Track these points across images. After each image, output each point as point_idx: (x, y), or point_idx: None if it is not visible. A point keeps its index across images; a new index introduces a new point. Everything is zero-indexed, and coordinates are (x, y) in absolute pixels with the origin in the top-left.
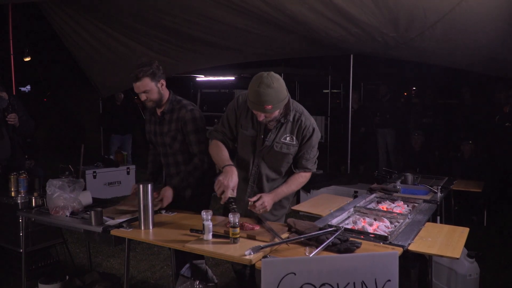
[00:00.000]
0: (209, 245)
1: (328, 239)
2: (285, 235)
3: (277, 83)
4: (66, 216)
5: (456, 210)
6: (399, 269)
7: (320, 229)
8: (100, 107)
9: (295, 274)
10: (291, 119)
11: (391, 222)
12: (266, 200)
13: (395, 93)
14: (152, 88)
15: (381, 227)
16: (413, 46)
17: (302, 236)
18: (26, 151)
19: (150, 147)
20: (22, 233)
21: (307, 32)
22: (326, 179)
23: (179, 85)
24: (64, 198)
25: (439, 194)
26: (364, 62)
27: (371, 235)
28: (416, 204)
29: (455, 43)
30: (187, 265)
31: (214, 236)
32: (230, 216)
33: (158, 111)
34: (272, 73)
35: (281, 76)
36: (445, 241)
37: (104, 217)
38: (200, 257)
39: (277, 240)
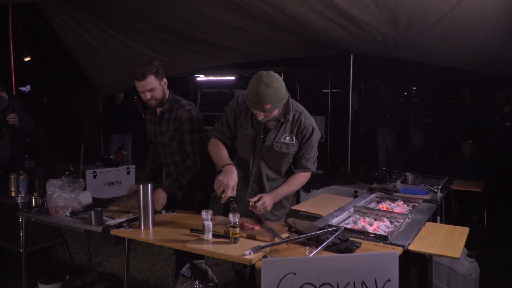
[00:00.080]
0: (209, 245)
1: (328, 239)
2: (285, 235)
3: (276, 82)
4: (66, 216)
5: (456, 210)
6: (399, 269)
7: (320, 229)
8: (100, 107)
9: (295, 274)
10: (290, 118)
11: (391, 222)
12: (267, 200)
13: (395, 93)
14: (157, 86)
15: (381, 227)
16: (413, 46)
17: (302, 236)
18: (26, 151)
19: (150, 147)
20: (22, 233)
21: (307, 32)
22: (326, 179)
23: (179, 85)
24: (64, 198)
25: (439, 194)
26: (364, 62)
27: (371, 235)
28: (416, 204)
29: (455, 43)
30: (187, 265)
31: (214, 236)
32: (230, 216)
33: (158, 111)
34: (271, 72)
35: (281, 76)
36: (445, 241)
37: (104, 217)
38: (200, 256)
39: (277, 240)
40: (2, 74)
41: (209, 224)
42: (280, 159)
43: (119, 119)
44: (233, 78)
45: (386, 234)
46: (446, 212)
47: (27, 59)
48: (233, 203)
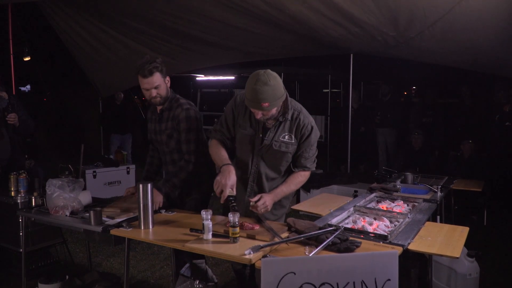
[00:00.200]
0: (208, 245)
1: (328, 238)
2: (285, 235)
3: (274, 80)
4: (66, 215)
5: (456, 210)
6: (399, 268)
7: (320, 228)
8: (100, 107)
9: (295, 273)
10: (289, 117)
11: (391, 222)
12: (267, 200)
13: (395, 93)
14: (162, 84)
15: (381, 226)
16: (413, 45)
17: (302, 235)
18: (26, 151)
19: (150, 147)
20: (22, 232)
21: (307, 32)
22: (326, 178)
23: (179, 84)
24: (63, 197)
25: (439, 194)
26: (364, 62)
27: (371, 235)
28: (416, 204)
29: (455, 42)
30: (187, 264)
31: (214, 235)
32: (230, 215)
33: (158, 109)
34: (269, 71)
35: (281, 75)
36: (445, 241)
37: (103, 218)
38: (201, 256)
39: (277, 239)
40: (2, 74)
41: (208, 223)
42: (279, 158)
43: (119, 119)
44: (233, 77)
45: (386, 234)
46: (446, 212)
47: (27, 59)
48: (233, 201)
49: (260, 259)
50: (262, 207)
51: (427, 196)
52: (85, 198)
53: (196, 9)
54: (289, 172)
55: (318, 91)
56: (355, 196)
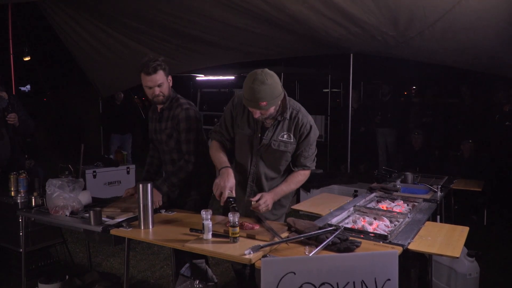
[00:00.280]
0: (208, 245)
1: (328, 238)
2: (284, 235)
3: (271, 79)
4: (66, 215)
5: (456, 209)
6: (399, 268)
7: (320, 228)
8: (100, 107)
9: (294, 273)
10: (288, 116)
11: (391, 221)
12: (268, 199)
13: (395, 93)
14: (165, 82)
15: (381, 226)
16: (413, 45)
17: (302, 235)
18: (26, 151)
19: (150, 147)
20: (22, 232)
21: (307, 31)
22: (326, 178)
23: (179, 84)
24: (63, 197)
25: (439, 193)
26: (364, 61)
27: (371, 234)
28: (416, 203)
29: (455, 42)
30: (187, 264)
31: (213, 235)
32: (230, 215)
33: (159, 108)
34: (266, 70)
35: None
36: (445, 240)
37: (103, 218)
38: (201, 256)
39: (276, 239)
40: (2, 74)
41: (208, 223)
42: (278, 158)
43: (119, 119)
44: (232, 77)
45: (386, 234)
46: (446, 212)
47: (27, 58)
48: (232, 202)
49: (260, 259)
50: (264, 206)
51: (427, 196)
52: (85, 198)
53: (196, 9)
54: (288, 172)
55: (318, 91)
56: (355, 196)
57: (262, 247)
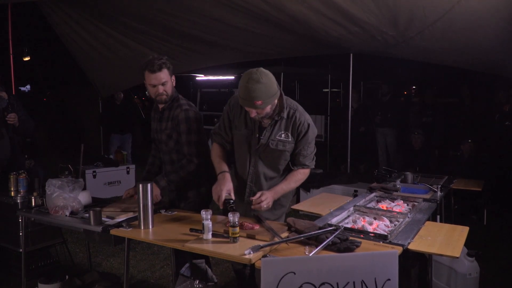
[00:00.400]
0: (208, 245)
1: (327, 238)
2: (284, 234)
3: (266, 78)
4: (66, 215)
5: (456, 209)
6: (399, 268)
7: (320, 228)
8: (100, 107)
9: (294, 273)
10: (285, 116)
11: (391, 221)
12: (268, 197)
13: (395, 93)
14: (169, 81)
15: (381, 226)
16: (413, 44)
17: (302, 235)
18: (26, 151)
19: (152, 146)
20: (21, 232)
21: (307, 31)
22: (326, 178)
23: (179, 84)
24: (63, 197)
25: (439, 193)
26: (364, 61)
27: (371, 234)
28: (416, 203)
29: (455, 42)
30: (187, 264)
31: (213, 235)
32: (230, 215)
33: (160, 107)
34: (261, 69)
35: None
36: (445, 240)
37: (103, 218)
38: (202, 256)
39: (276, 239)
40: (1, 74)
41: (208, 223)
42: (277, 157)
43: (119, 119)
44: (232, 77)
45: (385, 234)
46: (446, 211)
47: (27, 59)
48: (231, 203)
49: (260, 259)
50: (265, 203)
51: (427, 196)
52: (85, 198)
53: (196, 9)
54: (288, 171)
55: (318, 91)
56: (355, 195)
57: (262, 247)
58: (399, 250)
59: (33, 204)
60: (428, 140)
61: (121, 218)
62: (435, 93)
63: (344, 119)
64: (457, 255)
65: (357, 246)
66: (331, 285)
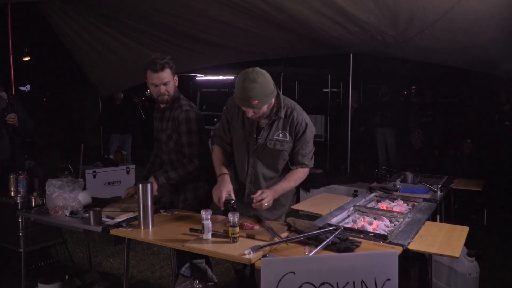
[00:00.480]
0: (208, 245)
1: (327, 238)
2: (284, 234)
3: (262, 77)
4: (66, 215)
5: (456, 209)
6: (399, 268)
7: (320, 228)
8: (100, 107)
9: (294, 273)
10: (282, 115)
11: (390, 221)
12: (269, 195)
13: (395, 92)
14: (171, 81)
15: (380, 226)
16: (413, 44)
17: (301, 235)
18: (26, 151)
19: (154, 146)
20: (21, 233)
21: (307, 31)
22: (326, 178)
23: (179, 84)
24: (63, 197)
25: (439, 193)
26: (364, 61)
27: (370, 234)
28: (416, 203)
29: (455, 42)
30: (187, 264)
31: (213, 235)
32: (230, 215)
33: (162, 107)
34: (257, 68)
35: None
36: (445, 240)
37: (103, 218)
38: (202, 256)
39: (276, 239)
40: (1, 74)
41: (208, 223)
42: (275, 157)
43: (118, 118)
44: (232, 77)
45: (385, 233)
46: (446, 211)
47: (27, 58)
48: (232, 203)
49: (260, 259)
50: (266, 201)
51: (427, 196)
52: (84, 198)
53: (196, 8)
54: (287, 171)
55: (318, 91)
56: (355, 195)
57: (262, 247)
58: (399, 250)
59: (33, 204)
60: (428, 140)
61: (121, 218)
62: (435, 93)
63: (344, 119)
64: (457, 255)
65: (357, 246)
66: (331, 285)
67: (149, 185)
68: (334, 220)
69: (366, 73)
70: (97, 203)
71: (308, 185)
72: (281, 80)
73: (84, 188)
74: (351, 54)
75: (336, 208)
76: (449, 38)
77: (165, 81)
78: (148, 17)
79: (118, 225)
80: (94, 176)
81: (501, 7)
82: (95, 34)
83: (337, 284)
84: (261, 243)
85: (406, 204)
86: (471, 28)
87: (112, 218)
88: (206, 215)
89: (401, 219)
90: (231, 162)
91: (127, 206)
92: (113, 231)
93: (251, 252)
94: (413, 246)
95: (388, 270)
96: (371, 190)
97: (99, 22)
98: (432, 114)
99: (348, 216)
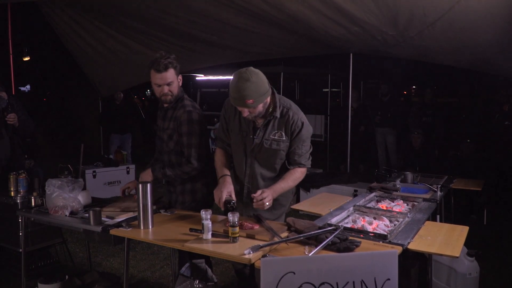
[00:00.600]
0: (208, 245)
1: (327, 238)
2: (284, 234)
3: (255, 77)
4: (66, 215)
5: (455, 209)
6: (399, 268)
7: (320, 228)
8: (100, 107)
9: (294, 273)
10: (278, 115)
11: (390, 221)
12: (269, 194)
13: (395, 92)
14: (175, 81)
15: (380, 226)
16: (413, 44)
17: (301, 235)
18: (26, 151)
19: (156, 144)
20: (21, 232)
21: (307, 31)
22: (326, 178)
23: None
24: (63, 197)
25: (438, 193)
26: (364, 61)
27: (370, 234)
28: (415, 203)
29: (455, 41)
30: (187, 264)
31: (213, 235)
32: (230, 215)
33: (165, 106)
34: (251, 68)
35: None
36: (444, 240)
37: (103, 218)
38: (203, 255)
39: (276, 239)
40: (1, 74)
41: (208, 223)
42: (272, 156)
43: (118, 118)
44: (232, 77)
45: (385, 233)
46: (446, 211)
47: (27, 58)
48: (232, 203)
49: (259, 259)
50: (266, 201)
51: (427, 196)
52: (84, 198)
53: (196, 8)
54: (285, 171)
55: (318, 91)
56: (354, 195)
57: (261, 247)
58: (398, 250)
59: (33, 204)
60: (428, 140)
61: (121, 218)
62: (435, 93)
63: (344, 119)
64: (457, 255)
65: (357, 246)
66: (331, 285)
67: (149, 185)
68: (334, 220)
69: (366, 73)
70: (97, 203)
71: (308, 185)
72: (281, 80)
73: (84, 188)
74: (351, 54)
75: (336, 208)
76: (449, 38)
77: (169, 81)
78: (149, 17)
79: (118, 225)
80: (94, 176)
81: (501, 7)
82: (95, 34)
83: (337, 284)
84: (261, 243)
85: (406, 204)
86: (471, 28)
87: (112, 218)
88: (206, 215)
89: (401, 219)
90: (232, 162)
91: (127, 206)
92: (113, 231)
93: (251, 252)
94: (413, 246)
95: (388, 270)
96: (371, 190)
97: (100, 22)
98: (432, 114)
99: (348, 216)
